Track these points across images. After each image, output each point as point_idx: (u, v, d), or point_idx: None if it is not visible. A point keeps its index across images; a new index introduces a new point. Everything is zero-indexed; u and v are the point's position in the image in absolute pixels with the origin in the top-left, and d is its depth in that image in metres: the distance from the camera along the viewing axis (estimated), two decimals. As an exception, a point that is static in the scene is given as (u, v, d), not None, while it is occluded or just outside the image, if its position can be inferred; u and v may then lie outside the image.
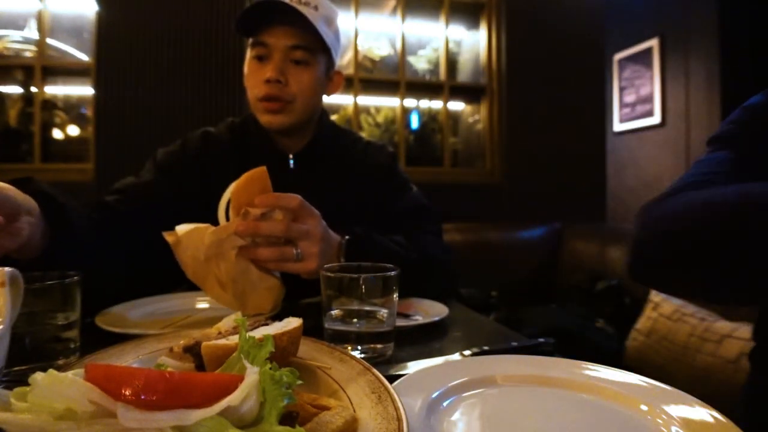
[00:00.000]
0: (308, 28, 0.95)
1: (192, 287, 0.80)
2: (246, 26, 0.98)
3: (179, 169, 1.01)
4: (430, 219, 1.08)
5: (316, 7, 0.97)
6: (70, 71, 2.54)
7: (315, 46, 0.99)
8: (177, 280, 0.83)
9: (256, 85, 0.99)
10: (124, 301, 0.82)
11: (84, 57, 2.50)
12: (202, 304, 0.86)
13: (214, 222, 0.75)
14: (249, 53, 1.01)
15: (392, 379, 0.46)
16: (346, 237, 0.83)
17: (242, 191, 0.73)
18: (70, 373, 0.30)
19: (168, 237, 0.73)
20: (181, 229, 0.73)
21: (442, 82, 3.04)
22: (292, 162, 1.06)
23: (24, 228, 0.64)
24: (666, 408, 0.43)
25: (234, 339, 0.43)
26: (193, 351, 0.44)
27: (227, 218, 0.75)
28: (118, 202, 0.93)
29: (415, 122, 3.14)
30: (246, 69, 1.02)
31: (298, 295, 0.87)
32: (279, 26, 0.96)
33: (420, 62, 3.11)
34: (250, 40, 1.00)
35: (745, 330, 1.56)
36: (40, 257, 0.70)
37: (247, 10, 0.95)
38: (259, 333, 0.45)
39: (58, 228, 0.72)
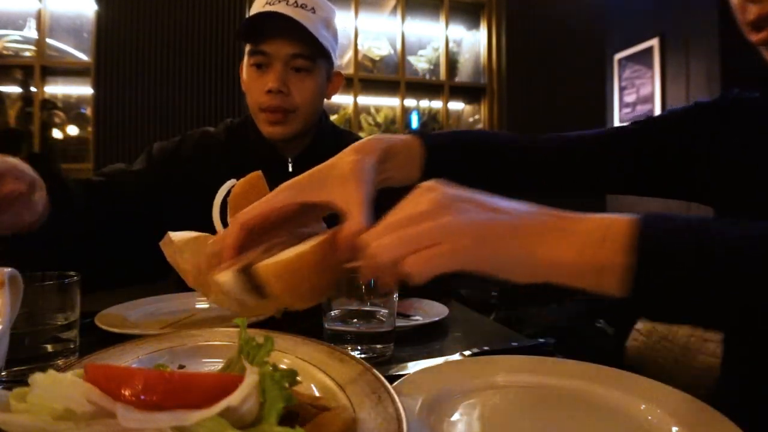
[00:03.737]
0: (308, 36, 0.94)
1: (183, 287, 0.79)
2: (246, 32, 0.98)
3: (172, 165, 1.01)
4: None
5: (313, 10, 0.96)
6: (70, 71, 2.53)
7: (315, 53, 0.98)
8: (160, 270, 0.85)
9: (257, 94, 0.98)
10: (122, 301, 0.82)
11: (83, 57, 2.49)
12: (202, 304, 0.86)
13: (204, 220, 0.74)
14: (247, 59, 1.00)
15: (392, 379, 0.46)
16: None
17: (241, 199, 0.72)
18: (69, 374, 0.30)
19: (164, 246, 0.73)
20: (177, 236, 0.73)
21: (442, 82, 3.04)
22: (290, 165, 1.06)
23: (39, 203, 0.67)
24: (666, 408, 0.43)
25: (285, 252, 0.42)
26: (246, 271, 0.42)
27: (223, 221, 0.74)
28: (102, 183, 0.94)
29: (415, 122, 3.13)
30: (244, 75, 1.01)
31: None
32: (278, 35, 0.95)
33: (420, 62, 3.10)
34: (248, 46, 0.99)
35: (745, 330, 1.56)
36: (35, 233, 0.71)
37: (247, 20, 0.95)
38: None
39: (60, 206, 0.74)
